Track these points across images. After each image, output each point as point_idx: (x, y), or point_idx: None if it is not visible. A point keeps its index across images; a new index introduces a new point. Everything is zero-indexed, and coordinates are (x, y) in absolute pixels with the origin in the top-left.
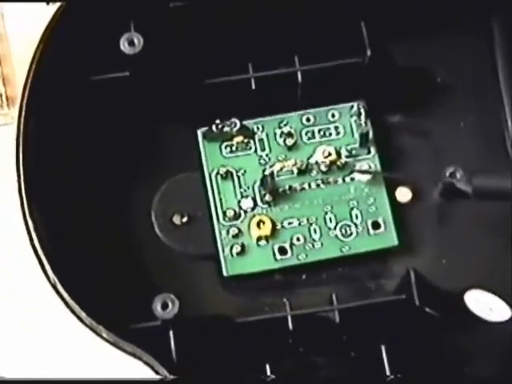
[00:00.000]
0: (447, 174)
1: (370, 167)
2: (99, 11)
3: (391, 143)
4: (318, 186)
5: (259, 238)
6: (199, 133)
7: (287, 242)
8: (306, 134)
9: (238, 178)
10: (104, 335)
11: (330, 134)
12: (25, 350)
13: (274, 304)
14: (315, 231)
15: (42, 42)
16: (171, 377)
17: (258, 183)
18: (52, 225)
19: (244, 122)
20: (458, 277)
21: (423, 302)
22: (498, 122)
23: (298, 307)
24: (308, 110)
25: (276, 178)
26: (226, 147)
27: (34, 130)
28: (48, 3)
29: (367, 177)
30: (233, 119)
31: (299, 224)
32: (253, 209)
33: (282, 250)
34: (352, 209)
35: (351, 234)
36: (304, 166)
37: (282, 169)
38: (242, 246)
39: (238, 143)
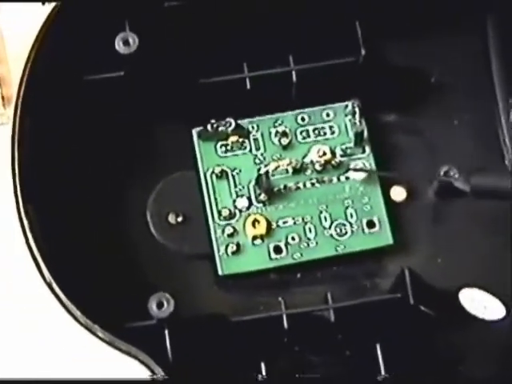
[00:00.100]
0: (442, 173)
1: (364, 166)
2: (94, 11)
3: (386, 142)
4: (312, 185)
5: (254, 237)
6: (194, 132)
7: (282, 241)
8: (301, 133)
9: (233, 177)
10: (99, 334)
11: (325, 133)
12: (20, 350)
13: (269, 303)
14: (310, 230)
15: (38, 41)
16: (167, 376)
17: (253, 182)
18: (47, 224)
19: (239, 122)
20: (454, 276)
21: (418, 301)
22: (492, 120)
23: (293, 306)
24: (303, 110)
25: (271, 178)
26: (221, 146)
27: (29, 130)
28: (43, 3)
29: (362, 176)
30: (228, 119)
31: (294, 223)
32: (248, 208)
33: (277, 249)
34: (347, 208)
35: (346, 232)
36: (299, 166)
37: (276, 168)
38: (238, 245)
39: (233, 142)
